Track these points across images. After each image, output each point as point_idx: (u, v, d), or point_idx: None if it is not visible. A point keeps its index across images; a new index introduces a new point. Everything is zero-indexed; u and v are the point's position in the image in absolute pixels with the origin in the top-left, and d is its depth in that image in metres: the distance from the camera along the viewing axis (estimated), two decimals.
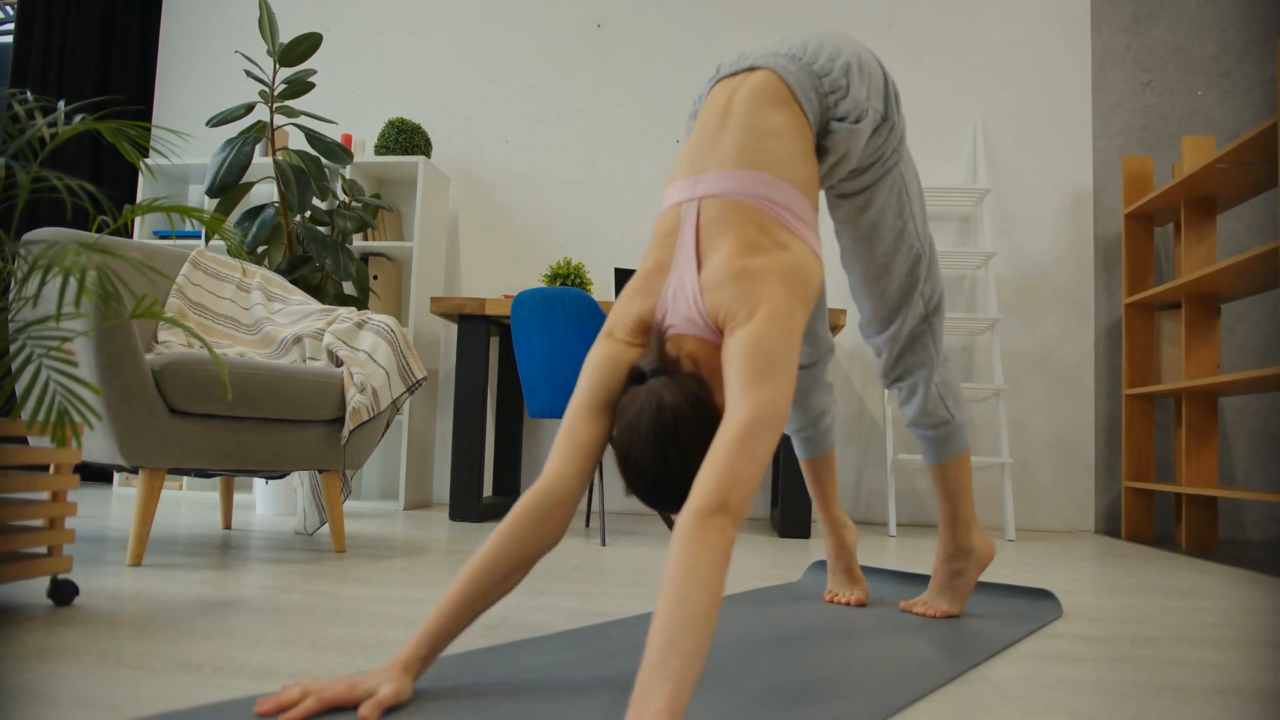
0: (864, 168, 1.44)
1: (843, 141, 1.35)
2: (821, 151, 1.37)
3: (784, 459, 3.09)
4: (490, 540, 1.09)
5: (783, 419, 1.04)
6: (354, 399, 2.24)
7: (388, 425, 2.42)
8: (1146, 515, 3.46)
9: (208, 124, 3.01)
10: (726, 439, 1.00)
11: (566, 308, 2.77)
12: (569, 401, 1.20)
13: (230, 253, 3.24)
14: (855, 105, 1.34)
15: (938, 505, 1.73)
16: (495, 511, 3.44)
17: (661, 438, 1.07)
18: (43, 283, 1.34)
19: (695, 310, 1.16)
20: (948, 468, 1.62)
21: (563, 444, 1.15)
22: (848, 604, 1.74)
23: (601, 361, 1.19)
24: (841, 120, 1.34)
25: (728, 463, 0.98)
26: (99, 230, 3.54)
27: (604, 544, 2.66)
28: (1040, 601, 1.78)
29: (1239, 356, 3.67)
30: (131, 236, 4.14)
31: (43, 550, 1.96)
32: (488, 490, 3.94)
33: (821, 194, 1.45)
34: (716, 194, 1.22)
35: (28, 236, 1.91)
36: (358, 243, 3.82)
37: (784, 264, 1.17)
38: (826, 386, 1.71)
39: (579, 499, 1.14)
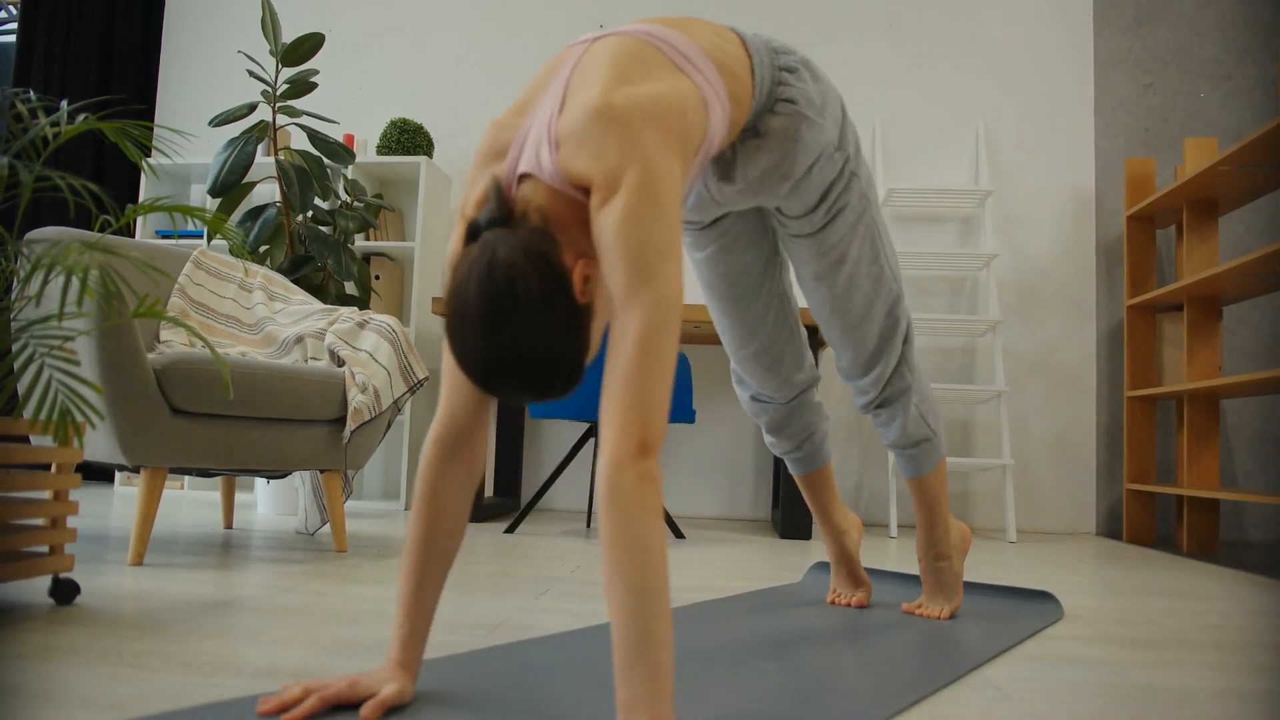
0: (831, 213, 1.34)
1: (792, 125, 1.22)
2: (760, 134, 1.23)
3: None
4: (414, 511, 1.05)
5: (678, 309, 0.91)
6: (355, 399, 2.24)
7: (389, 425, 2.42)
8: (1148, 517, 3.45)
9: (210, 124, 3.01)
10: (625, 359, 0.88)
11: None
12: None
13: (232, 252, 3.24)
14: (806, 98, 1.23)
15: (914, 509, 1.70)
16: (496, 512, 3.45)
17: (493, 302, 0.89)
18: (45, 282, 1.34)
19: (549, 156, 0.98)
20: (927, 480, 1.60)
21: (447, 374, 1.05)
22: (849, 605, 1.74)
23: (457, 253, 1.01)
24: (790, 102, 1.22)
25: (632, 389, 0.87)
26: (101, 229, 3.54)
27: None
28: (1041, 603, 1.78)
29: (1240, 359, 3.67)
30: (134, 236, 4.14)
31: (44, 549, 1.96)
32: (488, 491, 3.94)
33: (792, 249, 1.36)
34: (610, 34, 1.08)
35: (30, 235, 1.91)
36: (359, 243, 3.82)
37: (653, 98, 0.98)
38: (814, 408, 1.64)
39: (485, 423, 1.05)
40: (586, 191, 0.98)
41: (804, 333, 1.60)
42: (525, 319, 0.89)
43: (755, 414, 1.65)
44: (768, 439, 1.69)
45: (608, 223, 0.92)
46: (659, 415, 0.88)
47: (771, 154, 1.24)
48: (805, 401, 1.63)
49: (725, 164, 1.28)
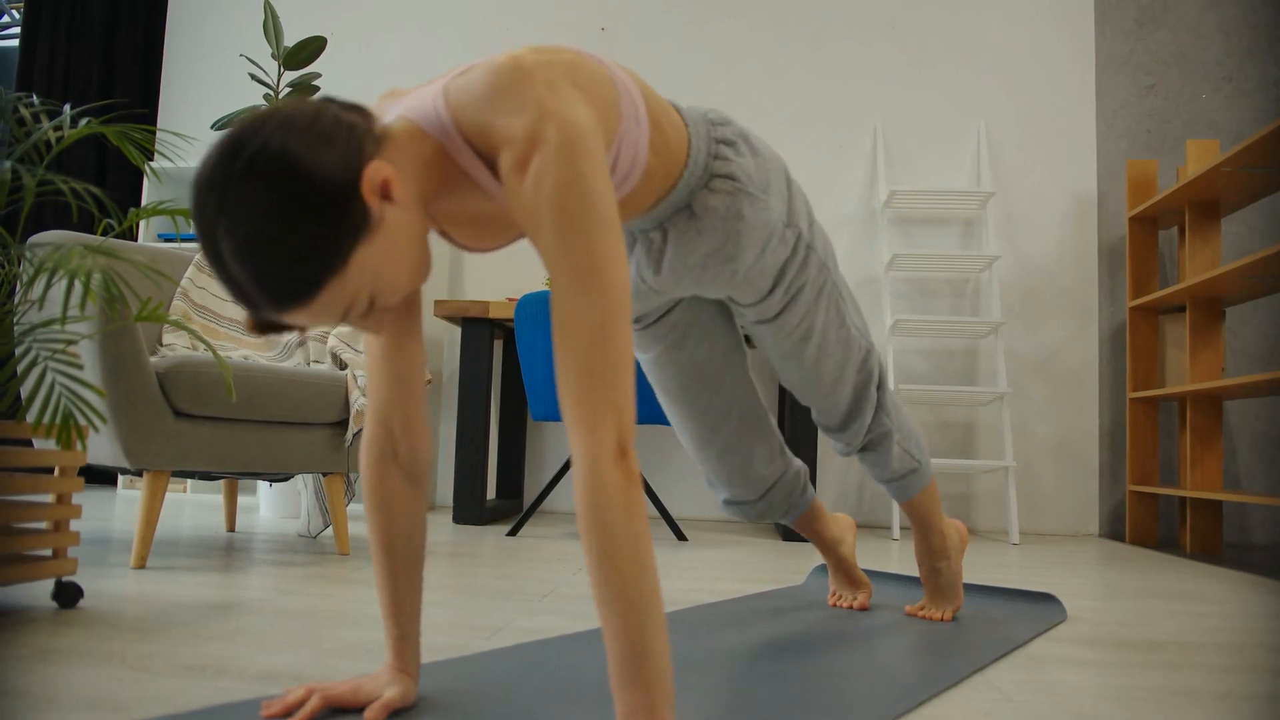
0: (790, 294, 1.27)
1: (733, 204, 1.14)
2: (697, 215, 1.14)
3: None
4: (367, 522, 1.03)
5: (629, 290, 0.85)
6: (357, 401, 2.24)
7: None
8: (1151, 519, 3.45)
9: (212, 127, 3.02)
10: (584, 355, 0.80)
11: None
12: None
13: None
14: (747, 175, 1.15)
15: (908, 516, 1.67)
16: (498, 515, 3.45)
17: (256, 132, 0.76)
18: (48, 285, 1.35)
19: (434, 104, 0.89)
20: (917, 500, 1.61)
21: (368, 372, 1.02)
22: (851, 608, 1.74)
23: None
24: (729, 178, 1.14)
25: (600, 386, 0.80)
26: (104, 233, 3.54)
27: None
28: (1044, 605, 1.78)
29: (1243, 360, 3.66)
30: (136, 239, 4.15)
31: (47, 553, 1.97)
32: (491, 493, 3.94)
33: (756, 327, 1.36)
34: None
35: (33, 239, 1.91)
36: None
37: (568, 60, 0.92)
38: (792, 480, 1.56)
39: (417, 416, 1.02)
40: (476, 152, 0.90)
41: (773, 422, 1.54)
42: (280, 165, 0.75)
43: (732, 515, 1.59)
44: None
45: (540, 193, 0.82)
46: (630, 410, 0.82)
47: (713, 236, 1.15)
48: (780, 485, 1.55)
49: (655, 250, 1.18)
